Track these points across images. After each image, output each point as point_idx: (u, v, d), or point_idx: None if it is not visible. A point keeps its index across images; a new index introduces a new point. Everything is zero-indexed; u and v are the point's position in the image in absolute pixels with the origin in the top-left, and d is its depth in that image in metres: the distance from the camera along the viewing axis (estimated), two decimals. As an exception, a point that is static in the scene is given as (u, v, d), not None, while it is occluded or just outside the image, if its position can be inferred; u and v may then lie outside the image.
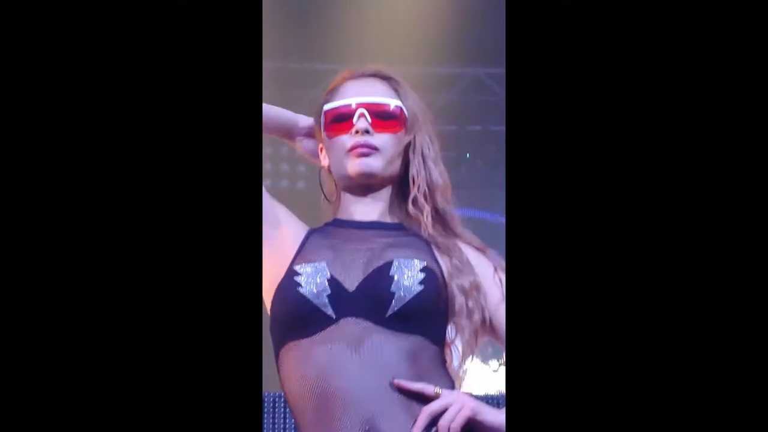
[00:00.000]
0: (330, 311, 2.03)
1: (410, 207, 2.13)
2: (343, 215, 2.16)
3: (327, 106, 2.16)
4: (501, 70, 5.20)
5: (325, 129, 2.16)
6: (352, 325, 2.02)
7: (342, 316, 2.03)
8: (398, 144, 2.15)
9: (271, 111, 2.26)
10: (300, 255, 2.11)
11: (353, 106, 2.15)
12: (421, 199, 2.13)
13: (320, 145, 2.20)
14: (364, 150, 2.12)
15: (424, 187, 2.14)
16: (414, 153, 2.16)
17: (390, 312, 2.02)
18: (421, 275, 2.05)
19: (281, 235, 2.13)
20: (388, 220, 2.16)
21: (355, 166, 2.13)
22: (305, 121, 2.28)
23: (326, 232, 2.15)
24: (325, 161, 2.19)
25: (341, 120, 2.16)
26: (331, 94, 2.18)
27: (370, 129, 2.11)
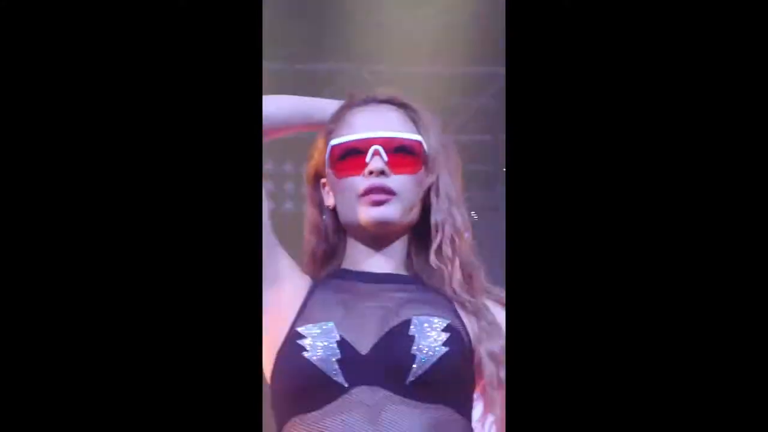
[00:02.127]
0: (341, 379, 1.83)
1: (432, 258, 1.88)
2: (351, 265, 1.92)
3: (334, 141, 1.90)
4: None
5: (332, 167, 1.90)
6: (367, 394, 1.82)
7: (355, 384, 1.82)
8: (419, 186, 1.91)
9: (289, 104, 2.02)
10: (303, 314, 1.90)
11: (366, 140, 1.88)
12: (446, 249, 1.88)
13: (323, 180, 1.94)
14: (380, 197, 1.88)
15: (449, 234, 1.88)
16: (438, 196, 1.92)
17: (411, 378, 1.81)
18: (445, 335, 1.83)
19: (281, 291, 1.89)
20: (403, 272, 1.92)
21: (368, 214, 1.90)
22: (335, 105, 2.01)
23: (332, 285, 1.92)
24: (330, 200, 1.93)
25: (352, 157, 1.92)
26: (336, 124, 1.92)
27: (387, 169, 1.86)
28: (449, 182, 1.91)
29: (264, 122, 1.90)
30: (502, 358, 1.87)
